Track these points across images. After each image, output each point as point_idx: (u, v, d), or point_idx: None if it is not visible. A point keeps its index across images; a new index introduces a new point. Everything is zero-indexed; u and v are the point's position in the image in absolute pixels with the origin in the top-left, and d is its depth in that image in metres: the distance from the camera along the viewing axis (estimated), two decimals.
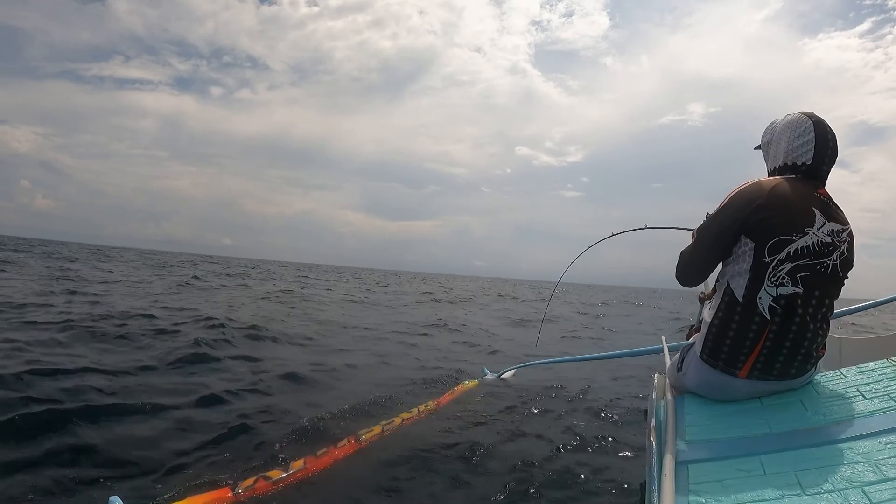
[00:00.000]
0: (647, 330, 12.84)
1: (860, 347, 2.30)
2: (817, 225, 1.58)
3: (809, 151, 1.68)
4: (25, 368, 4.18)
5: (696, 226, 1.82)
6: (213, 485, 2.63)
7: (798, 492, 1.10)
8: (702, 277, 1.84)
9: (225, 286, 17.23)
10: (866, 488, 1.05)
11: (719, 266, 1.75)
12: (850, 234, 1.65)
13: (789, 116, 1.76)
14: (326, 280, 31.34)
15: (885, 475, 1.09)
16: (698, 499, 1.14)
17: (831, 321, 1.71)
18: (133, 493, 2.53)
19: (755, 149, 1.94)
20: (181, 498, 2.42)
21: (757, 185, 1.65)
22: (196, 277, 19.75)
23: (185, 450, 3.19)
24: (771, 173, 1.80)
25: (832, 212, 1.63)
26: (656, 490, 1.16)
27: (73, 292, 10.44)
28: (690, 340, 1.90)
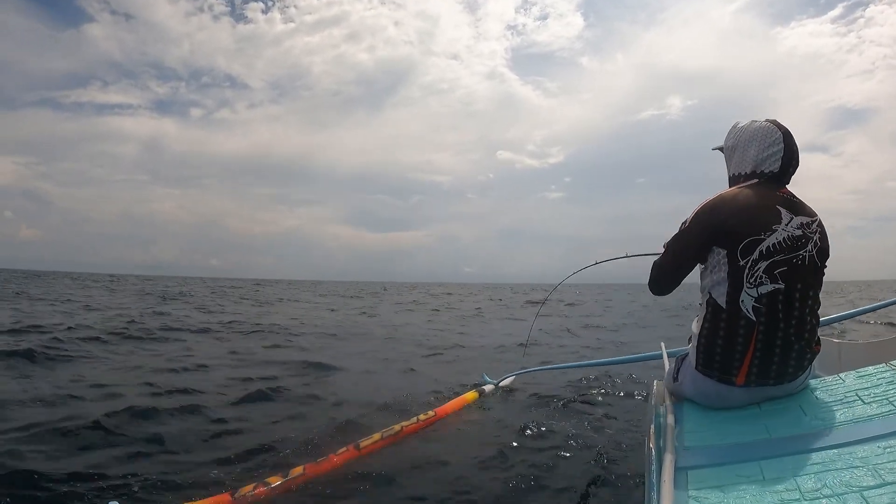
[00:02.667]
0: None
1: (860, 352, 2.29)
2: (784, 221, 1.63)
3: (778, 161, 1.75)
4: None
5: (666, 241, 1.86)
6: (212, 490, 2.61)
7: (797, 497, 1.09)
8: (670, 288, 1.89)
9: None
10: (865, 493, 1.05)
11: (698, 280, 1.80)
12: (820, 224, 1.70)
13: (756, 124, 1.82)
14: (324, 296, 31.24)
15: (884, 480, 1.08)
16: None
17: (833, 326, 1.73)
18: (132, 498, 2.52)
19: (714, 149, 1.99)
20: (180, 503, 2.41)
21: (720, 198, 1.71)
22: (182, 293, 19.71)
23: (183, 455, 3.18)
24: (733, 177, 1.85)
25: (798, 207, 1.69)
26: (655, 495, 1.16)
27: None
28: (684, 350, 1.91)
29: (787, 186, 1.77)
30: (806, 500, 1.08)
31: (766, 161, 1.75)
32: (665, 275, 1.86)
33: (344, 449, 3.06)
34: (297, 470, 2.76)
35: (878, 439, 1.26)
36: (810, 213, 1.70)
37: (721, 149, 1.94)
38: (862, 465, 1.16)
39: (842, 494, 1.06)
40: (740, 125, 1.86)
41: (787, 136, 1.75)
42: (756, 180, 1.76)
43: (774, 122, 1.78)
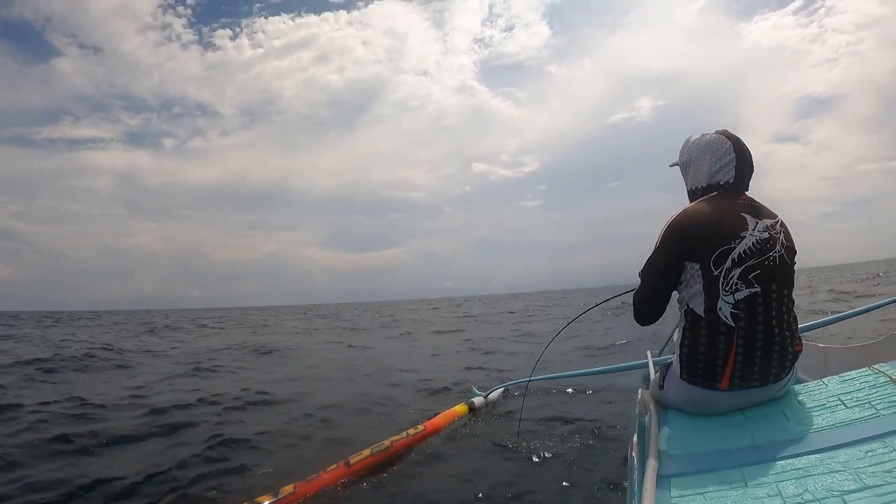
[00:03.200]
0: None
1: (844, 356, 2.30)
2: (751, 226, 1.66)
3: (731, 171, 1.78)
4: None
5: (639, 270, 1.86)
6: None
7: (779, 502, 1.09)
8: (657, 314, 1.87)
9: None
10: (847, 497, 1.05)
11: (675, 295, 1.80)
12: (783, 224, 1.73)
13: (706, 137, 1.86)
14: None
15: (864, 483, 1.09)
16: None
17: (819, 330, 1.74)
18: None
19: (671, 166, 2.03)
20: None
21: (684, 214, 1.73)
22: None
23: (173, 474, 3.13)
24: (692, 192, 1.89)
25: (760, 211, 1.72)
26: None
27: None
28: (668, 359, 1.91)
29: (746, 193, 1.80)
30: None
31: (720, 172, 1.79)
32: (646, 302, 1.84)
33: (334, 466, 3.02)
34: (288, 489, 2.73)
35: (861, 443, 1.27)
36: (772, 216, 1.73)
37: (678, 164, 1.98)
38: (844, 469, 1.17)
39: (823, 499, 1.06)
40: (692, 140, 1.90)
41: (737, 145, 1.79)
42: (714, 192, 1.79)
43: (724, 133, 1.82)
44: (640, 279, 1.85)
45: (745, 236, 1.64)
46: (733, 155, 1.78)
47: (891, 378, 1.59)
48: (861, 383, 1.62)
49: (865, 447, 1.24)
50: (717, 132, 1.84)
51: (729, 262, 1.62)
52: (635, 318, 1.92)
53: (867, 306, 3.43)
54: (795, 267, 1.72)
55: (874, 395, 1.51)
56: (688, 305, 1.70)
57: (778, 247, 1.66)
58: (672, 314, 1.83)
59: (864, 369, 1.70)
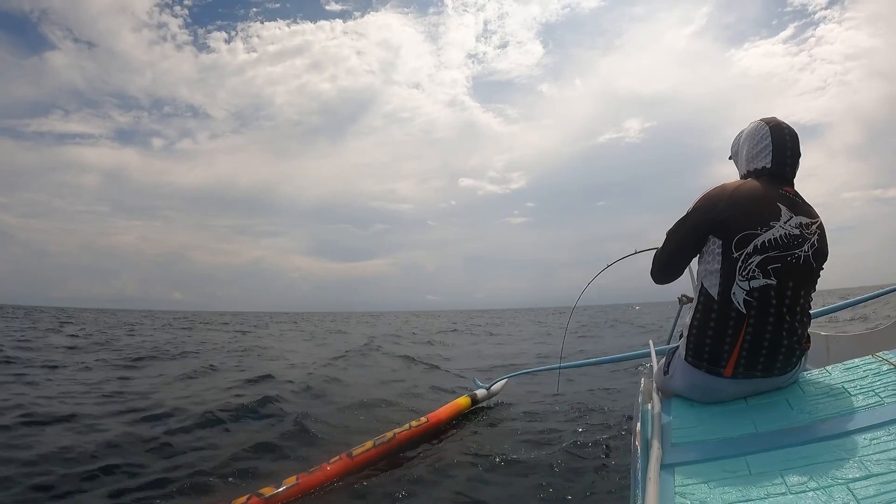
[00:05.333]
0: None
1: (847, 344, 2.30)
2: (784, 219, 1.62)
3: (768, 156, 1.74)
4: None
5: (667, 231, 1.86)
6: (204, 502, 2.59)
7: (783, 491, 1.09)
8: (672, 276, 1.89)
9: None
10: (851, 485, 1.04)
11: (695, 266, 1.79)
12: (821, 227, 1.68)
13: (751, 124, 1.83)
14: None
15: (869, 471, 1.08)
16: (683, 500, 1.13)
17: (824, 318, 1.73)
18: None
19: (729, 158, 2.00)
20: None
21: (721, 188, 1.71)
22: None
23: (176, 467, 3.14)
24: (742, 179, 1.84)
25: (799, 207, 1.67)
26: (640, 494, 1.15)
27: None
28: (676, 344, 1.91)
29: (793, 186, 1.74)
30: (792, 493, 1.07)
31: (756, 158, 1.75)
32: (666, 262, 1.86)
33: (337, 458, 3.03)
34: (291, 480, 2.73)
35: (864, 431, 1.26)
36: (812, 215, 1.67)
37: (732, 157, 1.95)
38: (848, 457, 1.16)
39: (828, 487, 1.06)
40: (743, 130, 1.87)
41: (774, 130, 1.74)
42: (756, 178, 1.74)
43: (765, 119, 1.78)
44: (665, 237, 1.84)
45: (773, 226, 1.60)
46: (769, 139, 1.74)
47: (894, 366, 1.58)
48: (864, 371, 1.61)
49: (869, 435, 1.23)
50: (760, 119, 1.80)
51: (751, 248, 1.59)
52: (651, 274, 1.92)
53: (872, 294, 3.42)
54: (822, 273, 1.68)
55: (878, 383, 1.50)
56: (702, 284, 1.69)
57: (806, 247, 1.62)
58: (674, 306, 1.83)
59: (867, 357, 1.70)
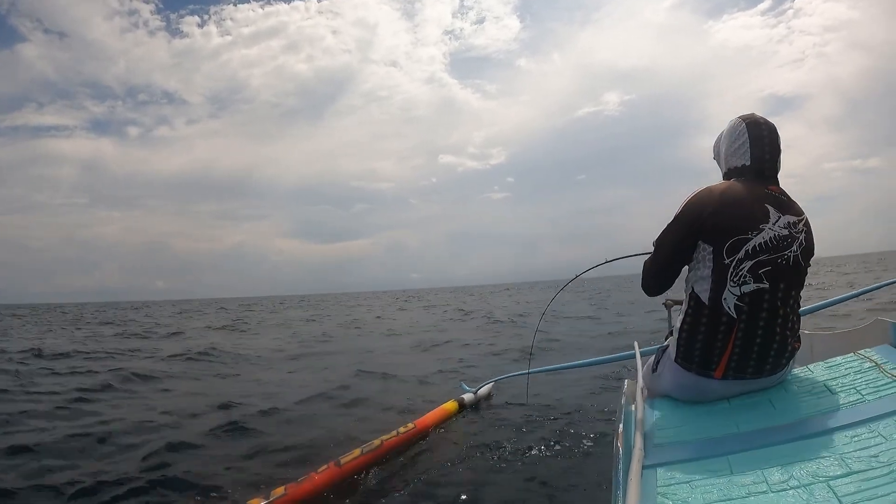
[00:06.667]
0: None
1: (829, 342, 2.31)
2: (772, 220, 1.60)
3: (746, 153, 1.71)
4: None
5: (654, 239, 1.83)
6: None
7: (765, 489, 1.09)
8: (665, 287, 1.85)
9: None
10: (832, 482, 1.04)
11: (685, 272, 1.77)
12: (807, 224, 1.67)
13: (729, 123, 1.80)
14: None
15: (850, 468, 1.08)
16: (665, 500, 1.12)
17: (808, 316, 1.72)
18: None
19: (713, 159, 1.97)
20: None
21: (708, 191, 1.68)
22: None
23: (164, 478, 3.08)
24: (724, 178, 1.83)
25: (786, 205, 1.65)
26: (621, 495, 1.14)
27: None
28: (665, 343, 1.90)
29: (778, 184, 1.72)
30: (773, 491, 1.07)
31: (735, 156, 1.73)
32: (656, 273, 1.81)
33: (325, 466, 2.99)
34: (279, 490, 2.69)
35: (845, 428, 1.27)
36: (798, 212, 1.65)
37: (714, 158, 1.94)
38: (829, 454, 1.16)
39: (809, 485, 1.06)
40: (722, 131, 1.85)
41: (751, 127, 1.70)
42: (740, 177, 1.71)
43: (742, 116, 1.75)
44: (653, 247, 1.81)
45: (763, 229, 1.58)
46: (746, 136, 1.70)
47: (876, 363, 1.59)
48: (846, 369, 1.62)
49: (851, 432, 1.24)
50: (737, 116, 1.77)
51: (742, 253, 1.57)
52: (642, 286, 1.87)
53: (853, 292, 3.45)
54: (809, 269, 1.68)
55: (859, 381, 1.51)
56: (693, 289, 1.67)
57: (795, 246, 1.60)
58: (653, 305, 1.80)
59: (849, 355, 1.71)
